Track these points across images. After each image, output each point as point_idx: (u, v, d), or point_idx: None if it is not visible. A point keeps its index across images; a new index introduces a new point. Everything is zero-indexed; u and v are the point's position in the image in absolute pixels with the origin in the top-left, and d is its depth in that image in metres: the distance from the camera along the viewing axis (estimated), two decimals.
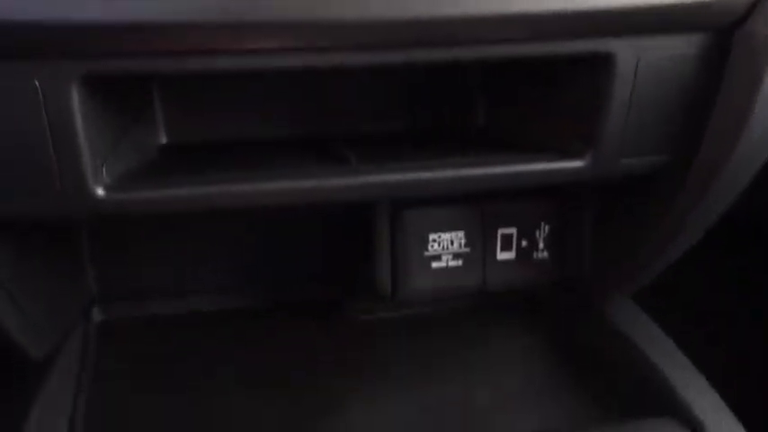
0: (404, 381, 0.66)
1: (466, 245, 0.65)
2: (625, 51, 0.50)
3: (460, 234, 0.65)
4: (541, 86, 0.58)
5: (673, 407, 0.59)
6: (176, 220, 0.68)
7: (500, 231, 0.66)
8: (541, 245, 0.67)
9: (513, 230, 0.66)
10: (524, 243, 0.66)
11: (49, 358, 0.62)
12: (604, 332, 0.68)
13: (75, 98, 0.44)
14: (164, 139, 0.60)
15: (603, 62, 0.51)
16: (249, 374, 0.67)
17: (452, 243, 0.65)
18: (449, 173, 0.54)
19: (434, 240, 0.64)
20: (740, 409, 0.59)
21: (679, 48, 0.52)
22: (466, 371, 0.67)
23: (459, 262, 0.65)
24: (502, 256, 0.66)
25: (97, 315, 0.72)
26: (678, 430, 0.57)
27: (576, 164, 0.54)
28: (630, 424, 0.58)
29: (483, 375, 0.67)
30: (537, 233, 0.67)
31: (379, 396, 0.65)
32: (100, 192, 0.47)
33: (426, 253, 0.64)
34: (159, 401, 0.64)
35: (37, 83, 0.43)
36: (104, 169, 0.47)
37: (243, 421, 0.62)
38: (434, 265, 0.65)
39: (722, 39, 0.51)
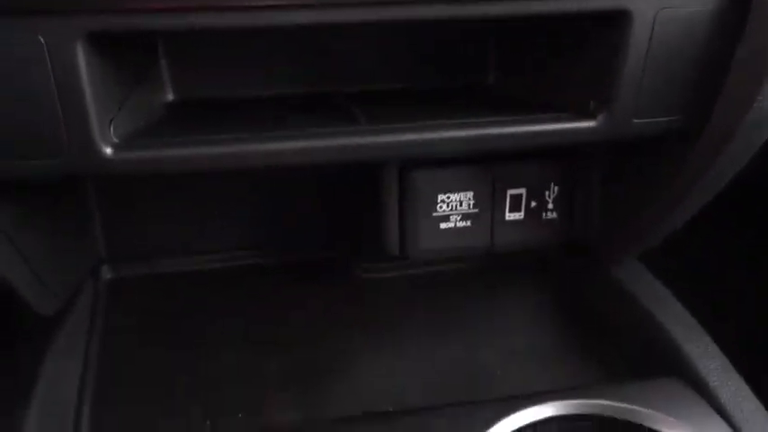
0: (409, 339, 0.67)
1: (474, 205, 0.64)
2: (642, 9, 0.49)
3: (469, 194, 0.64)
4: (555, 45, 0.57)
5: (678, 367, 0.60)
6: (184, 179, 0.68)
7: (509, 192, 0.65)
8: (550, 205, 0.66)
9: (522, 191, 0.65)
10: (533, 204, 0.66)
11: (58, 315, 0.62)
12: (611, 293, 0.68)
13: (81, 55, 0.43)
14: (170, 97, 0.60)
15: (620, 20, 0.50)
16: (255, 331, 0.68)
17: (461, 203, 0.64)
18: (459, 133, 0.53)
19: (443, 201, 0.64)
20: (746, 370, 0.60)
21: (696, 6, 0.50)
22: (472, 330, 0.67)
23: (468, 222, 0.65)
24: (510, 216, 0.66)
25: (106, 273, 0.72)
26: (683, 390, 0.58)
27: (589, 124, 0.53)
28: (636, 384, 0.59)
29: (489, 335, 0.67)
30: (546, 194, 0.66)
31: (384, 354, 0.65)
32: (108, 150, 0.46)
33: (435, 213, 0.64)
34: (167, 356, 0.65)
35: (42, 39, 0.42)
36: (112, 128, 0.47)
37: (248, 375, 0.63)
38: (443, 225, 0.64)
39: None
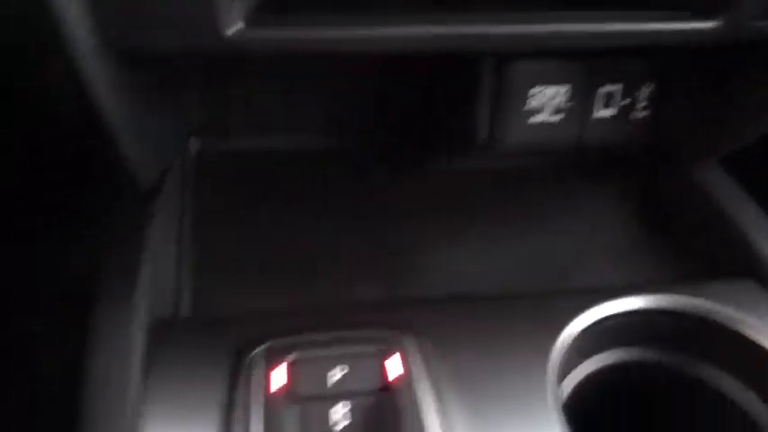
0: (488, 229, 0.69)
1: (568, 100, 0.64)
2: None
3: (563, 89, 0.64)
4: None
5: (754, 269, 0.62)
6: (276, 60, 0.68)
7: (603, 87, 0.65)
8: (642, 104, 0.66)
9: (615, 87, 0.65)
10: (625, 101, 0.65)
11: (152, 188, 0.64)
12: (692, 194, 0.69)
13: None
14: None
15: None
16: (339, 213, 0.69)
17: (554, 98, 0.64)
18: (568, 28, 0.52)
19: (537, 94, 0.63)
20: None
21: None
22: (551, 224, 0.69)
23: (559, 117, 0.65)
24: (601, 113, 0.66)
25: (194, 146, 0.73)
26: (758, 291, 0.60)
27: (707, 25, 0.52)
28: (711, 283, 0.61)
29: (567, 229, 0.69)
30: (639, 92, 0.66)
31: (464, 242, 0.67)
32: (233, 29, 0.46)
33: (527, 107, 0.64)
34: (255, 234, 0.67)
35: None
36: (237, 5, 0.47)
37: (335, 255, 0.65)
38: (533, 119, 0.64)
39: None
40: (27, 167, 0.77)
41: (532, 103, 0.64)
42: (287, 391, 0.48)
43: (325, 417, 0.48)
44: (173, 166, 0.69)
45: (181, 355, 0.52)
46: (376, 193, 0.71)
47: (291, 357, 0.50)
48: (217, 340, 0.53)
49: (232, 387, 0.49)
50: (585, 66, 0.63)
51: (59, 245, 0.82)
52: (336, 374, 0.50)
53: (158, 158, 0.64)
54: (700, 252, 0.66)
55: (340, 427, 0.48)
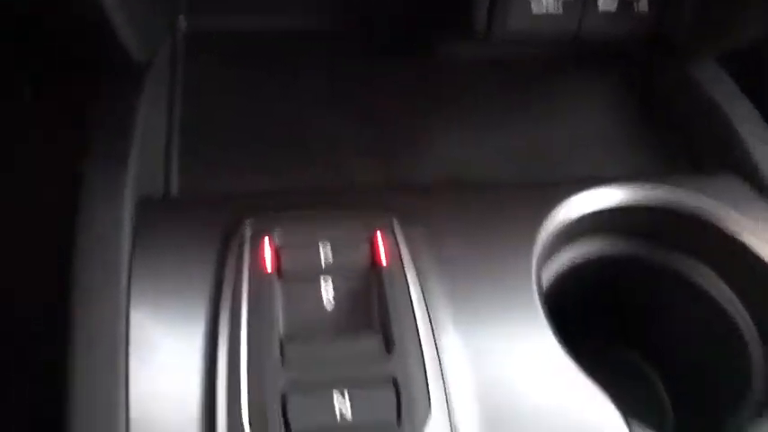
0: (484, 119, 0.68)
1: None
2: None
3: None
4: None
5: (740, 165, 0.62)
6: None
7: None
8: None
9: None
10: None
11: (142, 65, 0.63)
12: (687, 89, 0.69)
13: None
14: None
15: None
16: (333, 97, 0.68)
17: None
18: None
19: None
20: None
21: None
22: (546, 114, 0.69)
23: (559, 7, 0.63)
24: (603, 5, 0.64)
25: (182, 24, 0.71)
26: (740, 186, 0.60)
27: None
28: (694, 177, 0.62)
29: (562, 119, 0.69)
30: None
31: (459, 131, 0.67)
32: None
33: None
34: (247, 112, 0.66)
35: None
36: None
37: (329, 138, 0.65)
38: (534, 7, 0.63)
39: None
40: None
41: None
42: (273, 268, 0.49)
43: (311, 294, 0.49)
44: (162, 48, 0.67)
45: (168, 233, 0.52)
46: (372, 77, 0.70)
47: (278, 235, 0.51)
48: (205, 219, 0.53)
49: (219, 265, 0.50)
50: None
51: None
52: (323, 253, 0.50)
53: (148, 37, 0.62)
54: (690, 146, 0.67)
55: (325, 304, 0.49)
